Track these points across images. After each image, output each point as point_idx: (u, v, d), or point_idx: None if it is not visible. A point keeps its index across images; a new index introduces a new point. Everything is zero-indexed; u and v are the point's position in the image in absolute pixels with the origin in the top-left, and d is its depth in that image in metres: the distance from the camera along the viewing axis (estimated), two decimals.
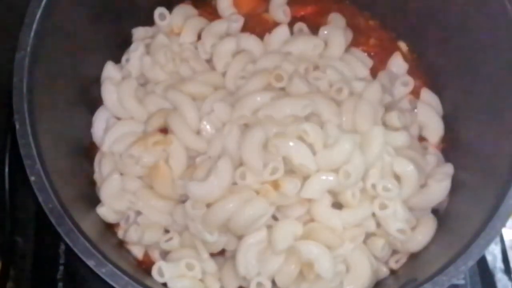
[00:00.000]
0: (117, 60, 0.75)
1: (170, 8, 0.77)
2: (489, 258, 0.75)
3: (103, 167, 0.70)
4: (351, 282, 0.64)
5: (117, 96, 0.72)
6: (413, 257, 0.68)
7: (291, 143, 0.63)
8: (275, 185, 0.63)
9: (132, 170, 0.68)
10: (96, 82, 0.73)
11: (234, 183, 0.64)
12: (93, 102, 0.73)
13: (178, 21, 0.77)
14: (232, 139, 0.65)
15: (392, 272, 0.68)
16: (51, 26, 0.63)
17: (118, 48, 0.76)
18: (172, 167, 0.67)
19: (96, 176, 0.71)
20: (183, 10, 0.78)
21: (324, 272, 0.62)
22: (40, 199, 0.57)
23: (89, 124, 0.73)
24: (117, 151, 0.69)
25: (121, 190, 0.68)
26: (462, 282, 0.72)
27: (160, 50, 0.71)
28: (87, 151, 0.72)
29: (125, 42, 0.76)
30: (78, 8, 0.67)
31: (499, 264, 0.75)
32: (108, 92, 0.72)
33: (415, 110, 0.75)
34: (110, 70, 0.73)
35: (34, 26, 0.61)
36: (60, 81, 0.67)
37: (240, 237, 0.65)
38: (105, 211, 0.68)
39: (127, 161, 0.67)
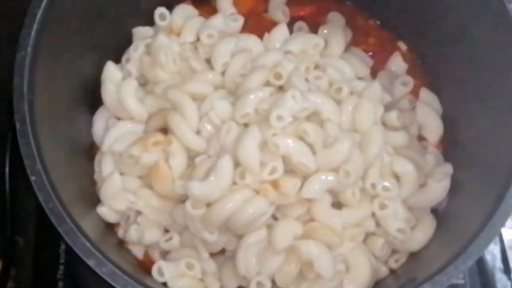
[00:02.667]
0: (117, 60, 0.75)
1: (170, 8, 0.77)
2: (488, 257, 0.75)
3: (103, 167, 0.69)
4: (351, 281, 0.64)
5: (117, 96, 0.72)
6: (413, 256, 0.68)
7: (290, 142, 0.63)
8: (275, 184, 0.63)
9: (132, 170, 0.68)
10: (96, 82, 0.73)
11: (234, 183, 0.64)
12: (93, 102, 0.73)
13: (178, 21, 0.77)
14: (230, 138, 0.66)
15: (392, 271, 0.68)
16: (51, 26, 0.63)
17: (119, 48, 0.76)
18: (172, 167, 0.67)
19: (96, 176, 0.71)
20: (183, 10, 0.78)
21: (324, 272, 0.62)
22: (41, 198, 0.57)
23: (89, 124, 0.73)
24: (117, 151, 0.69)
25: (121, 190, 0.68)
26: (461, 281, 0.72)
27: (160, 50, 0.71)
28: (87, 151, 0.72)
29: (126, 42, 0.76)
30: (78, 8, 0.67)
31: (499, 264, 0.75)
32: (108, 92, 0.72)
33: (415, 110, 0.75)
34: (110, 70, 0.73)
35: (34, 26, 0.61)
36: (61, 81, 0.67)
37: (240, 237, 0.65)
38: (105, 211, 0.68)
39: (127, 161, 0.67)
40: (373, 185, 0.65)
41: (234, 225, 0.63)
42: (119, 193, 0.67)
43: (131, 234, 0.67)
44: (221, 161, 0.63)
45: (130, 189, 0.68)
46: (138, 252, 0.69)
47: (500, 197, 0.58)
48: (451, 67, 0.74)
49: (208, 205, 0.63)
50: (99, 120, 0.73)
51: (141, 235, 0.66)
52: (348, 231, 0.65)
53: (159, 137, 0.67)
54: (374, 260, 0.67)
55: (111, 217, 0.68)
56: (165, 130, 0.70)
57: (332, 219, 0.65)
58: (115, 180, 0.68)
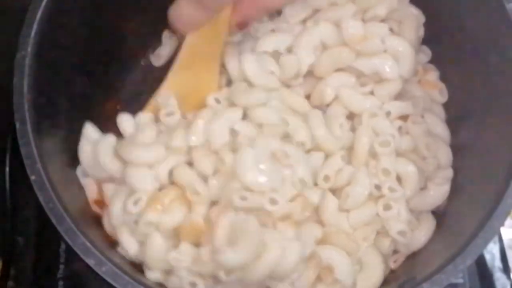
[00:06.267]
0: (117, 59, 0.75)
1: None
2: (487, 257, 0.75)
3: (128, 244, 0.62)
4: (364, 280, 0.63)
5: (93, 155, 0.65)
6: (412, 256, 0.67)
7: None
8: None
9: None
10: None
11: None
12: None
13: None
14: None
15: (391, 271, 0.67)
16: (52, 26, 0.63)
17: (118, 46, 0.76)
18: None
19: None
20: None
21: (344, 278, 0.60)
22: (41, 198, 0.57)
23: None
24: (130, 220, 0.61)
25: (166, 252, 0.59)
26: (460, 281, 0.72)
27: None
28: None
29: (125, 41, 0.76)
30: (78, 8, 0.67)
31: (498, 263, 0.75)
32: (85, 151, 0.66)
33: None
34: (88, 132, 0.67)
35: (34, 26, 0.61)
36: (60, 80, 0.67)
37: None
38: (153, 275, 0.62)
39: (146, 230, 0.59)
40: (378, 186, 0.65)
41: (277, 275, 0.58)
42: (165, 255, 0.59)
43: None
44: (246, 220, 0.57)
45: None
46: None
47: (499, 196, 0.58)
48: (449, 67, 0.74)
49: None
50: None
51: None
52: (360, 231, 0.64)
53: (174, 192, 0.60)
54: (384, 258, 0.65)
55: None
56: None
57: (340, 222, 0.64)
58: (158, 245, 0.60)
